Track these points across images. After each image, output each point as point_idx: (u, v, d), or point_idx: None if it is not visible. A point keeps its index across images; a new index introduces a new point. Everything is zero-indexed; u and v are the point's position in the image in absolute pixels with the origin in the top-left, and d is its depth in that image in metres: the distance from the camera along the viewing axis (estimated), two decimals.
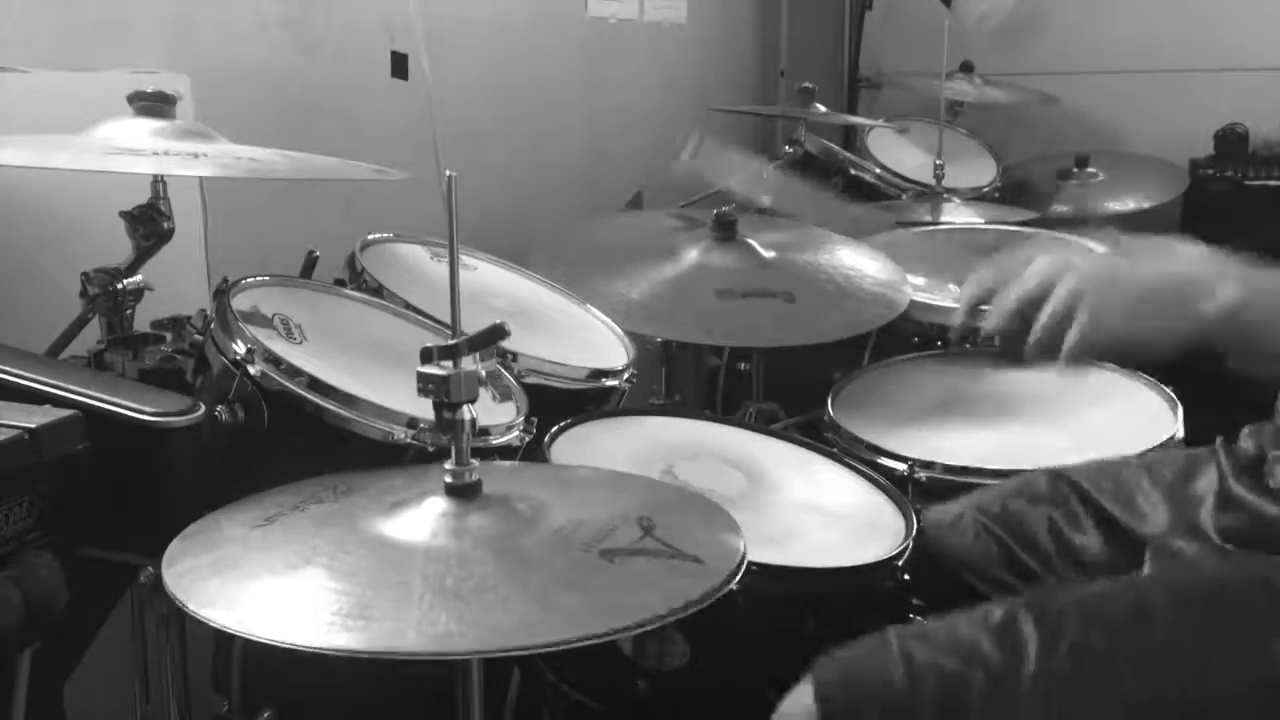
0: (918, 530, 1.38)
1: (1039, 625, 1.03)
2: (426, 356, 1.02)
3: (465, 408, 1.03)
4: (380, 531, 1.02)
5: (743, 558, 1.02)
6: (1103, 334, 0.95)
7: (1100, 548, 1.30)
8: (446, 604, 0.90)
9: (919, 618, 1.34)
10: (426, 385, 1.02)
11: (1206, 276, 0.95)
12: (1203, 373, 1.70)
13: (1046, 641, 1.02)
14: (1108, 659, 1.00)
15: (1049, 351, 0.99)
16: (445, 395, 1.02)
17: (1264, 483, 1.22)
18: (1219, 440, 1.31)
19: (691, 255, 2.02)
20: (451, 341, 1.02)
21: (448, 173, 1.01)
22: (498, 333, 1.03)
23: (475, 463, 1.05)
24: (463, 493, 1.04)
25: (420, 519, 1.03)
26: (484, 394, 1.07)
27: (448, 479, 1.04)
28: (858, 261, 2.12)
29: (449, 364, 1.02)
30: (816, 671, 1.07)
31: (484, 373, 1.04)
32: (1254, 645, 1.00)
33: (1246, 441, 1.29)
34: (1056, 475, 1.40)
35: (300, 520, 1.06)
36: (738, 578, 0.99)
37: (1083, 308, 0.95)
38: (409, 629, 0.87)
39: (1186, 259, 0.99)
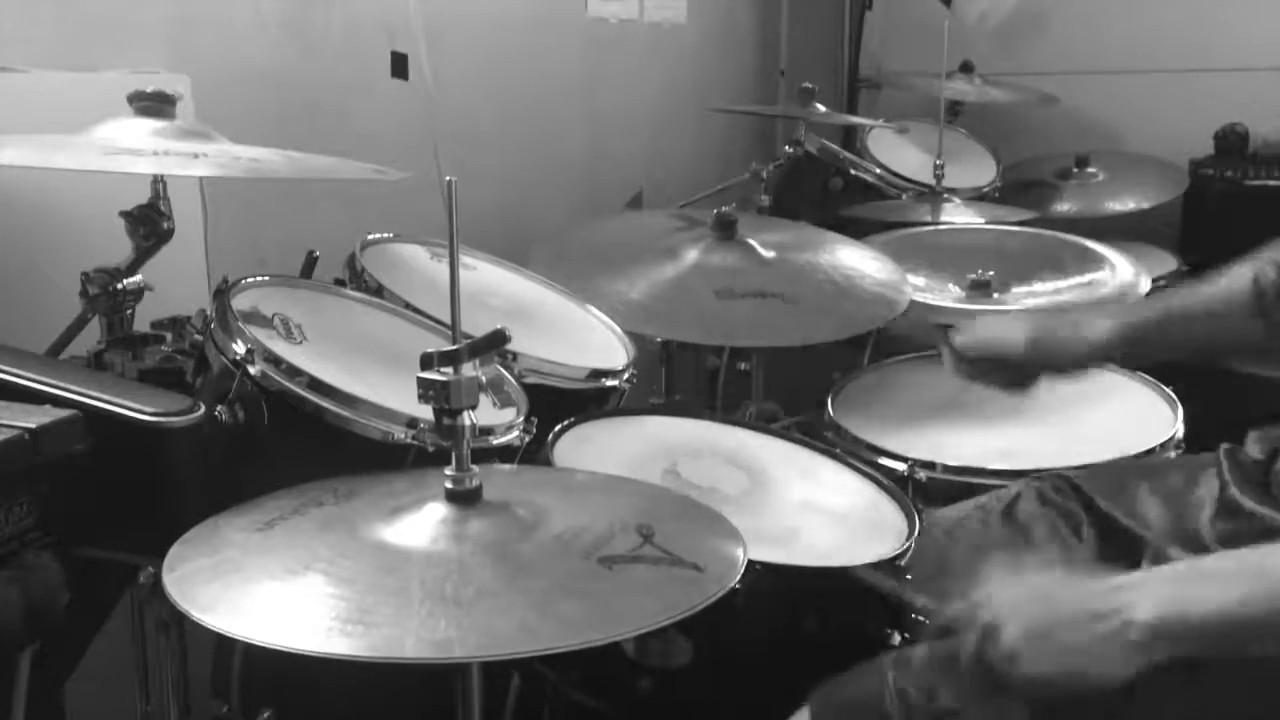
0: (919, 531, 1.38)
1: None
2: (427, 362, 1.02)
3: (466, 414, 1.03)
4: (380, 537, 1.02)
5: (743, 565, 1.02)
6: (1043, 678, 0.98)
7: (1101, 553, 1.30)
8: (446, 610, 0.90)
9: (919, 618, 1.34)
10: (427, 391, 1.02)
11: (1116, 598, 0.97)
12: (1203, 373, 1.71)
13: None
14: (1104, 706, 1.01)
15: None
16: (446, 401, 1.02)
17: (1271, 490, 1.22)
18: (1223, 447, 1.31)
19: (691, 255, 2.02)
20: (452, 347, 1.02)
21: (448, 178, 1.01)
22: (498, 339, 1.02)
23: (476, 469, 1.05)
24: (463, 499, 1.04)
25: (420, 524, 1.03)
26: (484, 400, 1.07)
27: (448, 485, 1.04)
28: (858, 261, 2.12)
29: (449, 370, 1.02)
30: (813, 701, 1.08)
31: (484, 379, 1.04)
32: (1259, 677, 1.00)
33: (1253, 446, 1.29)
34: (1059, 479, 1.40)
35: (300, 524, 1.06)
36: (737, 580, 1.00)
37: (1019, 660, 0.98)
38: (408, 634, 0.87)
39: (1095, 584, 1.00)
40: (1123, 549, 1.30)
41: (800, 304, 1.94)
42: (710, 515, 1.16)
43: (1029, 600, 1.02)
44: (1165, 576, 1.00)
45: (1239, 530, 1.18)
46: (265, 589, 0.95)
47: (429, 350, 1.02)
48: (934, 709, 1.03)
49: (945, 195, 2.74)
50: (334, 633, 0.87)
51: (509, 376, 1.45)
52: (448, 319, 1.07)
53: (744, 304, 1.92)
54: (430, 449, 1.25)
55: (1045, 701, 0.99)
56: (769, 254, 2.06)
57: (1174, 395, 1.81)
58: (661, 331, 2.00)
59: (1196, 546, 1.11)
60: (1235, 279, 1.38)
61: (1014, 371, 1.49)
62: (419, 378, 1.02)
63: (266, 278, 1.47)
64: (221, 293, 1.36)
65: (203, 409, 1.15)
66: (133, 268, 1.39)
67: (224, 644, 1.39)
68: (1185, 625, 0.94)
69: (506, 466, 1.32)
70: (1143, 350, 1.49)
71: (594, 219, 2.46)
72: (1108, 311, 1.51)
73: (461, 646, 0.86)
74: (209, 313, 1.35)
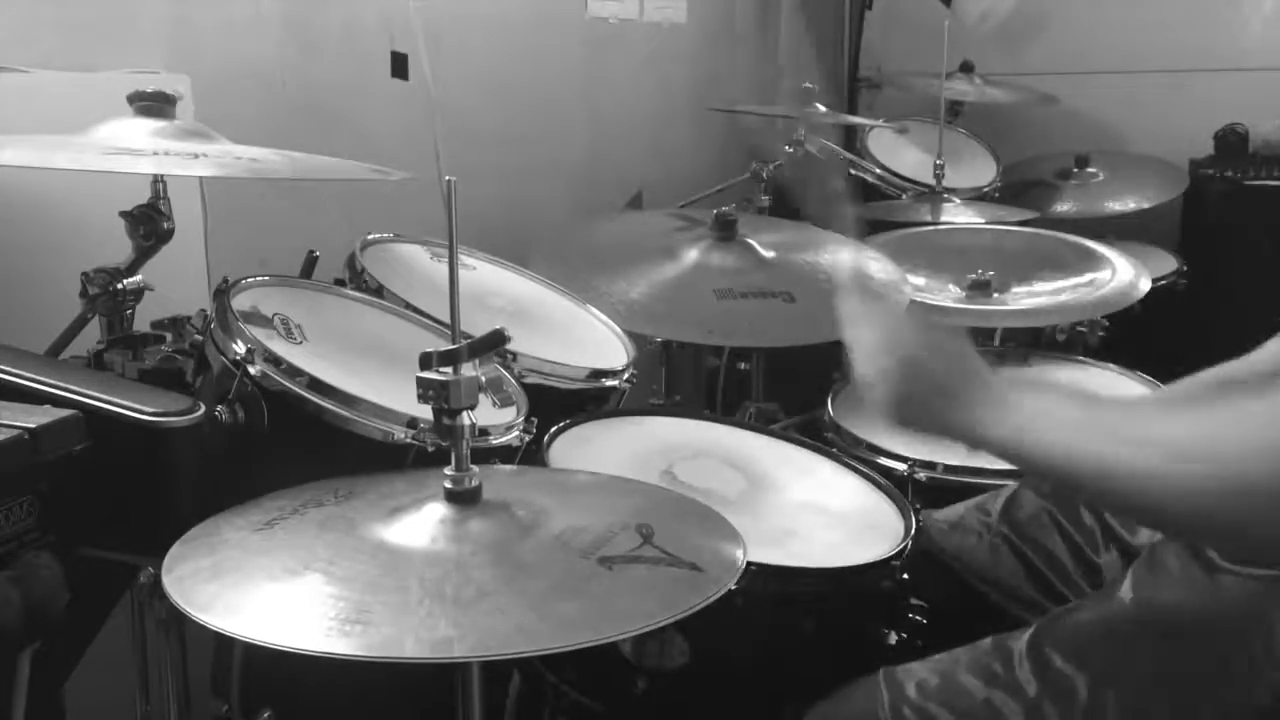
0: (917, 530, 1.38)
1: (1032, 669, 1.06)
2: (426, 362, 1.02)
3: (465, 414, 1.03)
4: (380, 537, 1.02)
5: (742, 566, 1.02)
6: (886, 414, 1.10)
7: (1100, 548, 1.30)
8: (445, 610, 0.90)
9: (918, 618, 1.34)
10: (426, 391, 1.02)
11: (978, 418, 1.04)
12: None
13: (1036, 694, 1.04)
14: (1095, 707, 1.02)
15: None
16: (445, 401, 1.02)
17: None
18: None
19: (691, 255, 2.02)
20: (451, 347, 1.02)
21: (448, 178, 1.01)
22: (497, 339, 1.03)
23: (475, 469, 1.05)
24: (462, 499, 1.04)
25: (420, 524, 1.03)
26: (484, 400, 1.07)
27: (447, 485, 1.04)
28: (857, 262, 2.12)
29: (449, 370, 1.02)
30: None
31: (484, 379, 1.04)
32: (1242, 681, 1.01)
33: None
34: None
35: (300, 524, 1.06)
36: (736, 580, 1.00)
37: (879, 388, 1.10)
38: (407, 635, 0.87)
39: (966, 400, 1.07)
40: (1121, 546, 1.30)
41: (800, 304, 1.94)
42: (710, 515, 1.16)
43: (919, 361, 1.10)
44: (1020, 409, 1.04)
45: None
46: (264, 589, 0.96)
47: (428, 350, 1.02)
48: None
49: (945, 195, 2.75)
50: (333, 633, 0.87)
51: (509, 376, 1.45)
52: (448, 319, 1.07)
53: (744, 304, 1.92)
54: (430, 449, 1.25)
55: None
56: (769, 254, 2.06)
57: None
58: (661, 332, 2.00)
59: (1194, 551, 1.11)
60: None
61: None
62: (419, 377, 1.03)
63: (266, 278, 1.47)
64: (221, 293, 1.36)
65: (203, 409, 1.15)
66: (133, 268, 1.40)
67: (224, 644, 1.39)
68: (1019, 457, 1.03)
69: (506, 467, 1.32)
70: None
71: (593, 219, 2.46)
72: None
73: (460, 646, 0.86)
74: (209, 313, 1.35)
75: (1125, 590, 1.13)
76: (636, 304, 1.88)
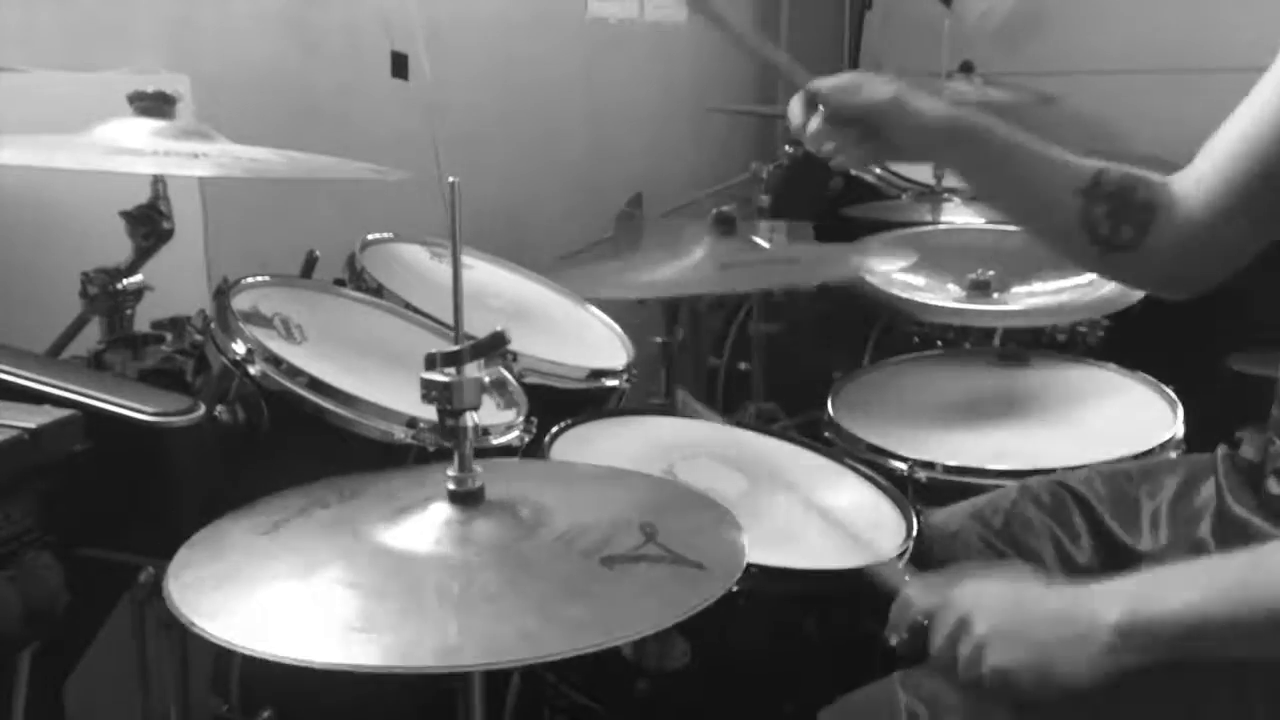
0: (918, 533, 1.38)
1: None
2: (430, 363, 1.02)
3: (468, 415, 1.03)
4: (383, 540, 1.01)
5: (745, 558, 1.02)
6: (1012, 671, 0.99)
7: (1100, 563, 1.30)
8: (449, 615, 0.90)
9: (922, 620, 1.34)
10: (430, 392, 1.02)
11: (1086, 603, 0.99)
12: (1203, 373, 1.71)
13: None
14: (1101, 712, 1.02)
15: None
16: (448, 402, 1.02)
17: (1263, 496, 1.22)
18: (1221, 449, 1.31)
19: (694, 250, 2.01)
20: (454, 348, 1.02)
21: (450, 179, 1.01)
22: (498, 340, 1.02)
23: (479, 469, 1.05)
24: (466, 500, 1.04)
25: (423, 526, 1.02)
26: (488, 401, 1.07)
27: (451, 486, 1.04)
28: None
29: (452, 371, 1.02)
30: None
31: (488, 380, 1.04)
32: (1239, 697, 1.01)
33: (1247, 448, 1.29)
34: (1057, 485, 1.39)
35: (304, 527, 1.06)
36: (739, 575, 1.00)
37: (991, 650, 1.00)
38: (412, 642, 0.87)
39: (1071, 590, 1.02)
40: (1122, 560, 1.29)
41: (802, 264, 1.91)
42: (715, 509, 1.15)
43: (1001, 597, 1.03)
44: (1133, 581, 1.01)
45: (1234, 540, 1.18)
46: (270, 597, 0.95)
47: (432, 351, 1.02)
48: None
49: (945, 195, 2.74)
50: (339, 641, 0.86)
51: (509, 376, 1.45)
52: (447, 319, 1.07)
53: (748, 271, 1.91)
54: (430, 449, 1.25)
55: (1024, 702, 1.00)
56: (767, 244, 2.05)
57: (1174, 395, 1.81)
58: (668, 291, 1.95)
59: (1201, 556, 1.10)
60: (1082, 160, 1.36)
61: (872, 137, 1.35)
62: (422, 378, 1.02)
63: (266, 278, 1.47)
64: (221, 293, 1.36)
65: (203, 409, 1.15)
66: (133, 268, 1.40)
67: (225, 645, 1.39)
68: (1150, 627, 0.95)
69: (510, 460, 1.32)
70: (964, 155, 1.34)
71: (593, 217, 2.46)
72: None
73: (466, 653, 0.86)
74: (209, 313, 1.35)
75: None
76: (643, 283, 1.85)
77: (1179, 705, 1.02)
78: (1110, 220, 1.33)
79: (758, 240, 2.04)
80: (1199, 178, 1.35)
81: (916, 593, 1.11)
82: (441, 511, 1.04)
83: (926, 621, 1.08)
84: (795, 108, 1.36)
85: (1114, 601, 0.97)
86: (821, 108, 1.34)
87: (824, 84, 1.34)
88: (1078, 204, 1.31)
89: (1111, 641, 0.95)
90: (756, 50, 1.48)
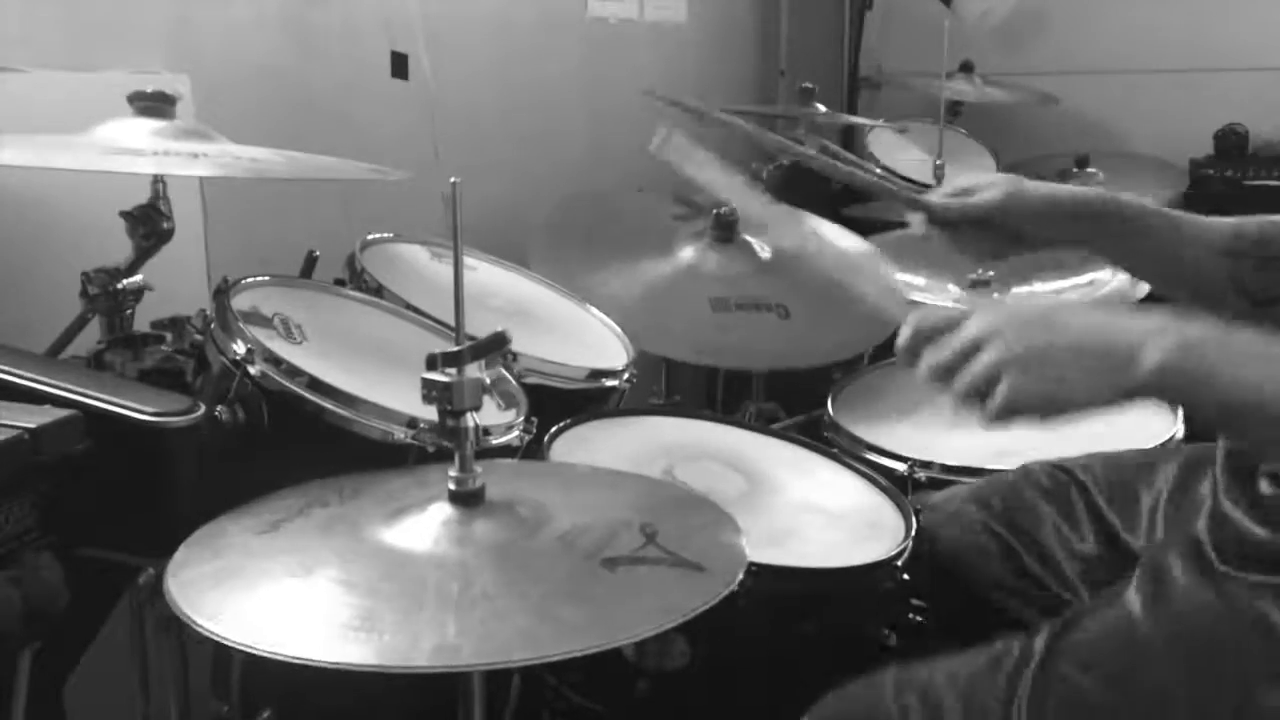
0: (917, 530, 1.38)
1: (1035, 673, 1.05)
2: (431, 364, 1.02)
3: (469, 415, 1.03)
4: (383, 540, 1.01)
5: (745, 560, 1.02)
6: (1025, 400, 0.94)
7: (1097, 550, 1.30)
8: (448, 615, 0.90)
9: (918, 618, 1.34)
10: (430, 392, 1.02)
11: (1132, 337, 0.93)
12: None
13: (1040, 693, 1.03)
14: (1103, 708, 1.02)
15: (973, 407, 0.98)
16: (449, 402, 1.02)
17: (1253, 496, 1.22)
18: (1221, 441, 1.31)
19: (687, 254, 2.01)
20: (455, 349, 1.02)
21: (452, 179, 1.01)
22: (499, 340, 1.02)
23: (479, 469, 1.05)
24: (466, 500, 1.04)
25: (423, 527, 1.03)
26: (488, 401, 1.07)
27: (451, 486, 1.04)
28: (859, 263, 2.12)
29: (453, 371, 1.02)
30: (813, 715, 1.08)
31: (488, 380, 1.04)
32: (1243, 690, 1.00)
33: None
34: (1056, 468, 1.39)
35: (304, 527, 1.06)
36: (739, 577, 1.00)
37: (1008, 373, 0.94)
38: (410, 641, 0.87)
39: (1112, 319, 0.96)
40: (1120, 549, 1.30)
41: (795, 320, 1.92)
42: (714, 511, 1.16)
43: (1031, 314, 0.97)
44: (1188, 327, 0.93)
45: (1226, 538, 1.18)
46: (269, 596, 0.95)
47: (433, 351, 1.02)
48: None
49: None
50: (335, 640, 0.86)
51: (509, 376, 1.45)
52: (448, 319, 1.07)
53: (737, 318, 1.90)
54: (430, 449, 1.25)
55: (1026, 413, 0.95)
56: (766, 254, 2.05)
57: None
58: (653, 348, 1.96)
59: (1195, 555, 1.10)
60: (1215, 220, 1.33)
61: (990, 233, 1.33)
62: (423, 378, 1.02)
63: (266, 278, 1.47)
64: (221, 293, 1.36)
65: (203, 409, 1.15)
66: (133, 268, 1.40)
67: (224, 644, 1.39)
68: (1191, 381, 0.91)
69: (510, 462, 1.32)
70: (1094, 231, 1.32)
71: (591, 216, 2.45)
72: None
73: (465, 653, 0.86)
74: (209, 313, 1.35)
75: (1131, 599, 1.12)
76: (631, 311, 1.86)
77: None
78: (1258, 275, 1.28)
79: (756, 246, 2.04)
80: None
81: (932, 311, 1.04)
82: (441, 512, 1.04)
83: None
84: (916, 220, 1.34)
85: (1161, 345, 0.91)
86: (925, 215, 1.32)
87: (932, 198, 1.33)
88: (1224, 265, 1.28)
89: (1148, 382, 0.91)
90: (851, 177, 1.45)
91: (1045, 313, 0.97)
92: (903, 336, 1.04)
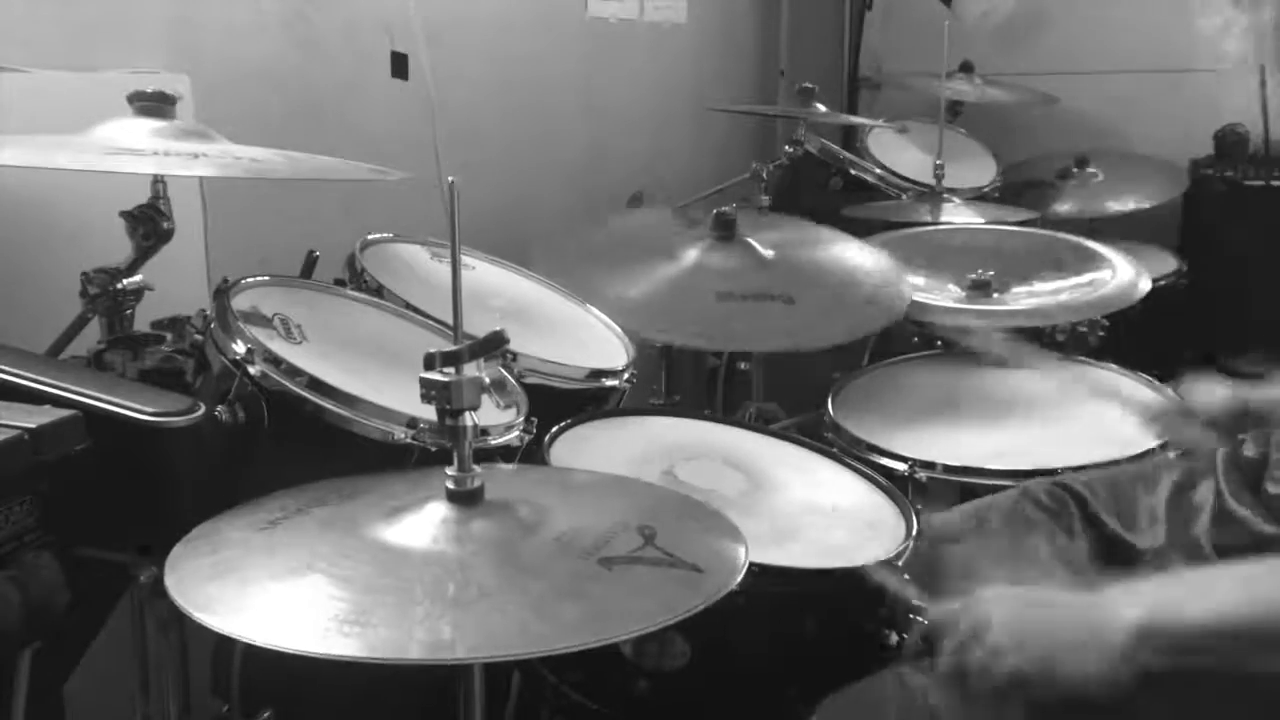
0: (917, 530, 1.38)
1: None
2: (429, 363, 1.02)
3: (467, 414, 1.03)
4: (382, 537, 1.02)
5: (744, 567, 1.02)
6: (1021, 685, 0.98)
7: (1097, 561, 1.30)
8: (445, 611, 0.90)
9: (918, 618, 1.34)
10: (429, 391, 1.02)
11: (1106, 605, 0.98)
12: (1203, 373, 1.71)
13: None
14: (1099, 710, 1.02)
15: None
16: (447, 402, 1.02)
17: (1262, 495, 1.22)
18: (1221, 450, 1.31)
19: (691, 255, 2.02)
20: (453, 348, 1.02)
21: (449, 179, 1.01)
22: (497, 340, 1.03)
23: (478, 469, 1.05)
24: (464, 499, 1.04)
25: (422, 525, 1.03)
26: (487, 401, 1.07)
27: (450, 485, 1.04)
28: (858, 260, 2.12)
29: (451, 371, 1.02)
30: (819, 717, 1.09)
31: (488, 380, 1.04)
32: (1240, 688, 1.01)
33: (1249, 446, 1.29)
34: (1055, 484, 1.40)
35: (302, 524, 1.06)
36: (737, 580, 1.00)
37: (1002, 663, 0.99)
38: (407, 636, 0.87)
39: (1086, 597, 1.01)
40: (1120, 558, 1.30)
41: (800, 307, 1.93)
42: (713, 515, 1.16)
43: (1015, 601, 1.02)
44: (1152, 584, 1.00)
45: (1233, 539, 1.18)
46: (265, 589, 0.95)
47: (431, 351, 1.03)
48: None
49: (945, 195, 2.74)
50: (333, 633, 0.87)
51: (509, 376, 1.45)
52: (447, 319, 1.07)
53: (744, 306, 1.91)
54: (431, 449, 1.25)
55: (1038, 705, 1.00)
56: (769, 253, 2.06)
57: (1174, 395, 1.81)
58: (662, 336, 1.98)
59: (1197, 556, 1.11)
60: None
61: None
62: (422, 378, 1.03)
63: (266, 278, 1.47)
64: (221, 293, 1.36)
65: (203, 409, 1.15)
66: (133, 268, 1.40)
67: (224, 644, 1.39)
68: (1169, 631, 0.95)
69: (508, 466, 1.32)
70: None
71: (594, 217, 2.46)
72: None
73: (460, 648, 0.86)
74: (209, 313, 1.35)
75: None
76: (637, 306, 1.87)
77: None
78: None
79: (757, 247, 2.04)
80: None
81: (926, 604, 1.11)
82: (440, 510, 1.04)
83: (929, 635, 1.08)
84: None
85: (1131, 604, 0.96)
86: None
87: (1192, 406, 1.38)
88: None
89: (1127, 645, 0.95)
90: None
91: (1026, 594, 1.03)
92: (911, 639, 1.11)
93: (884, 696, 1.10)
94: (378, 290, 1.58)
